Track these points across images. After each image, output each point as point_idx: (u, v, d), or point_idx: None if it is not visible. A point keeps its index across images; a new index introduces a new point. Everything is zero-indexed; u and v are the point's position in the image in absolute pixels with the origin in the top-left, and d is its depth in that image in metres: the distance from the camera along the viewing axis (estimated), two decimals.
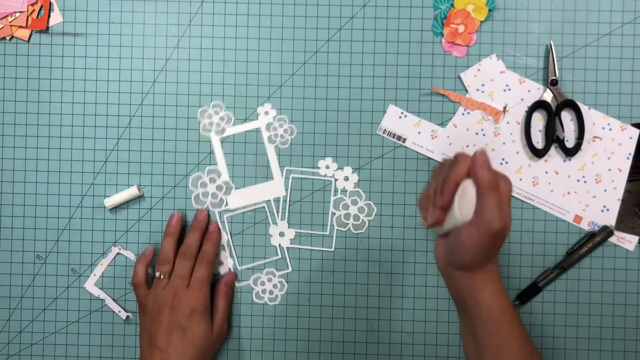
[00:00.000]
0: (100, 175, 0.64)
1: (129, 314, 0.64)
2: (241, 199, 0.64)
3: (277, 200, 0.64)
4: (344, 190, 0.63)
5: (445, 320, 0.63)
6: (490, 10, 0.62)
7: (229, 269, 0.64)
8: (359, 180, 0.63)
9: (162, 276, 0.59)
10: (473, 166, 0.47)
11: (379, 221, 0.63)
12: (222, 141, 0.62)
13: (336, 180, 0.63)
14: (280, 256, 0.64)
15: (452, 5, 0.62)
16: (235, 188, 0.63)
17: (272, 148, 0.63)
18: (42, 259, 0.64)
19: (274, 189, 0.64)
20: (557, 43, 0.63)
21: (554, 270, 0.62)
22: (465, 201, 0.48)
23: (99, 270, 0.64)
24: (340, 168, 0.63)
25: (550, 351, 0.63)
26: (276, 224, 0.64)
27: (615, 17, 0.62)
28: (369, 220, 0.63)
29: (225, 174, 0.63)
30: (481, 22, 0.63)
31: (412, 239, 0.63)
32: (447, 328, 0.63)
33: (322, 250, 0.64)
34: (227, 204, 0.64)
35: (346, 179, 0.63)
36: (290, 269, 0.64)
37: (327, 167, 0.63)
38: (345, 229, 0.64)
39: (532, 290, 0.62)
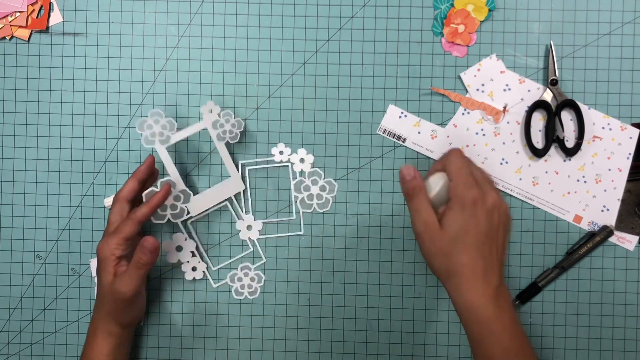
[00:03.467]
0: (100, 175, 0.64)
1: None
2: (202, 203, 0.62)
3: (238, 195, 0.64)
4: (302, 172, 0.63)
5: (445, 320, 0.63)
6: (490, 10, 0.62)
7: (203, 272, 0.63)
8: (314, 159, 0.63)
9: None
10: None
11: (378, 220, 0.63)
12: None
13: (292, 163, 0.63)
14: (252, 249, 0.64)
15: (452, 5, 0.62)
16: (194, 194, 0.61)
17: (223, 145, 0.61)
18: (42, 259, 0.64)
19: (233, 185, 0.63)
20: (557, 43, 0.63)
21: (554, 270, 0.62)
22: (438, 189, 0.53)
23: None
24: (294, 152, 0.63)
25: (550, 351, 0.63)
26: (242, 218, 0.64)
27: (615, 17, 0.62)
28: (332, 197, 0.63)
29: (180, 183, 0.60)
30: (481, 22, 0.63)
31: (412, 239, 0.63)
32: (447, 328, 0.63)
33: (292, 235, 0.64)
34: (188, 213, 0.61)
35: (302, 160, 0.63)
36: (264, 260, 0.64)
37: (281, 152, 0.63)
38: (311, 210, 0.64)
39: (532, 290, 0.62)
